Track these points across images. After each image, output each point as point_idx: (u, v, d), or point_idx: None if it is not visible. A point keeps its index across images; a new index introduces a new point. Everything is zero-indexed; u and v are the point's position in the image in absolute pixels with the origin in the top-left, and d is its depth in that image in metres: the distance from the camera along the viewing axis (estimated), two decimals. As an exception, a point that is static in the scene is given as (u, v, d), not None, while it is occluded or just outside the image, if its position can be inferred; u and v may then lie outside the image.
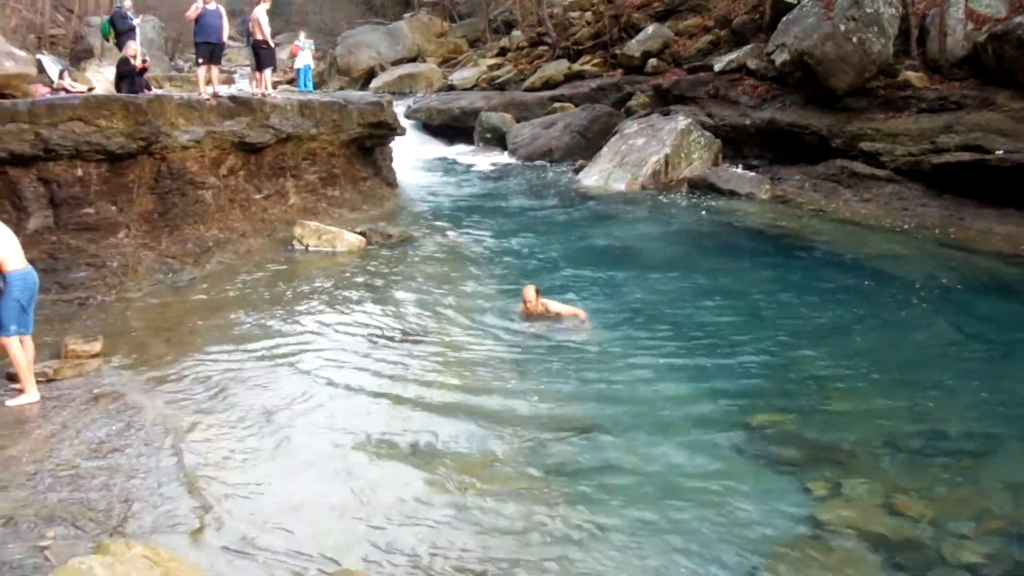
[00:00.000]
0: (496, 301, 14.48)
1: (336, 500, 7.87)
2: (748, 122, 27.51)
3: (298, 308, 14.05)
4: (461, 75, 46.12)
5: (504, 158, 33.85)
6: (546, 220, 22.21)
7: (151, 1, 59.33)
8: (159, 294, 14.64)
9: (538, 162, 32.17)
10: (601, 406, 10.21)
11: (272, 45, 22.30)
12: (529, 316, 13.21)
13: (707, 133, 27.95)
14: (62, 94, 19.59)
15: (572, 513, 7.75)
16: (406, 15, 60.56)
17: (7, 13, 38.33)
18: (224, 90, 20.91)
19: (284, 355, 11.78)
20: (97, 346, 11.45)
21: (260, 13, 21.10)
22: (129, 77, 19.47)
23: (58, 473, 7.95)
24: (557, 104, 35.94)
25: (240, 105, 18.98)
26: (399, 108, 32.48)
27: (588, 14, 42.10)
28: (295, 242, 18.01)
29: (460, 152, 35.83)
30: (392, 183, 25.63)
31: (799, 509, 7.96)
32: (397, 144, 26.75)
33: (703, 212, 23.27)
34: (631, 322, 13.54)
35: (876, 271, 16.61)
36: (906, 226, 20.62)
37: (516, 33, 48.09)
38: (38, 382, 10.11)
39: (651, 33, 35.38)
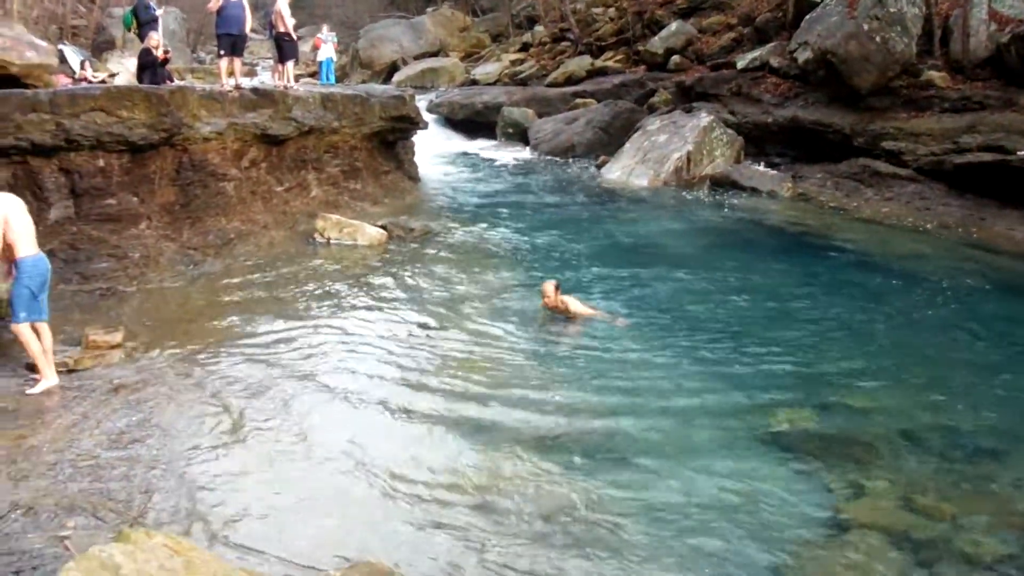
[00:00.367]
0: (518, 296, 14.44)
1: (357, 493, 7.87)
2: (770, 120, 27.48)
3: (319, 301, 14.06)
4: (483, 70, 46.16)
5: (526, 153, 33.85)
6: (568, 216, 22.15)
7: (174, -8, 59.51)
8: (180, 285, 14.65)
9: (560, 158, 32.16)
10: (623, 402, 10.19)
11: (295, 38, 22.32)
12: (553, 311, 13.20)
13: (729, 130, 27.85)
14: (83, 84, 19.66)
15: (594, 508, 7.74)
16: (429, 9, 60.64)
17: (29, 3, 38.37)
18: (246, 82, 20.93)
19: (305, 347, 11.78)
20: (118, 337, 11.45)
21: (283, 6, 21.13)
22: (151, 68, 19.46)
23: (78, 463, 7.95)
24: (579, 100, 35.92)
25: (262, 97, 18.97)
26: (421, 102, 32.42)
27: (611, 10, 42.11)
28: (316, 235, 18.02)
29: (482, 147, 35.78)
30: (414, 177, 25.64)
31: (821, 506, 7.97)
32: (419, 138, 26.80)
33: (725, 209, 23.21)
34: (654, 318, 13.50)
35: (898, 270, 16.54)
36: (928, 226, 20.55)
37: (539, 28, 48.13)
38: (59, 372, 10.12)
39: (674, 30, 35.37)
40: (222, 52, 19.25)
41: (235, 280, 15.06)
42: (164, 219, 16.04)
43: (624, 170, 27.54)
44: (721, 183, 25.88)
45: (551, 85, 38.99)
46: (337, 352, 11.69)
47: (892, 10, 23.50)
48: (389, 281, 15.35)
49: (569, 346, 12.20)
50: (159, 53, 19.87)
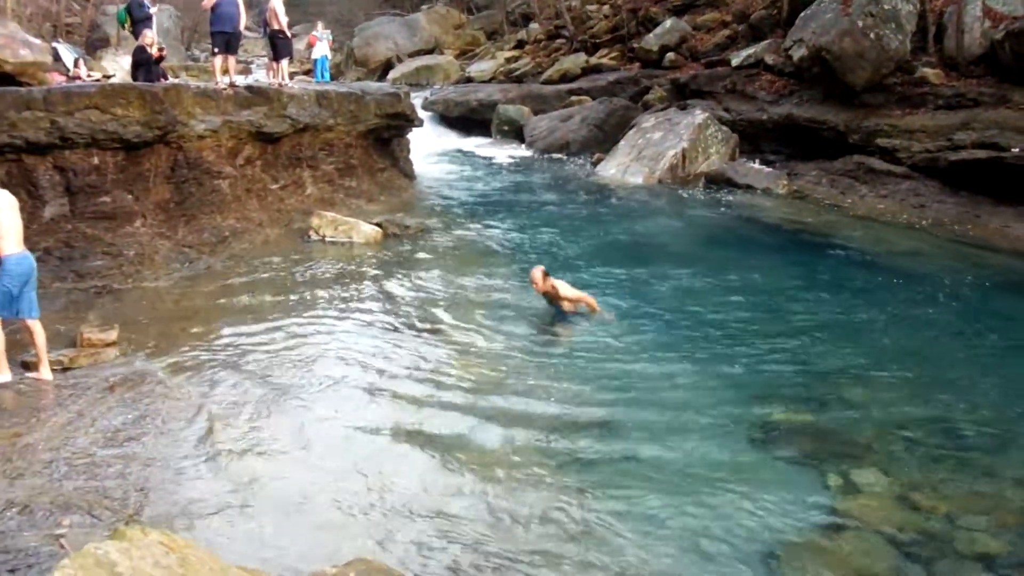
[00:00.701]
0: (513, 294, 14.45)
1: (352, 490, 7.88)
2: (765, 117, 27.49)
3: (314, 299, 14.06)
4: (478, 67, 46.14)
5: (521, 151, 33.85)
6: (564, 213, 22.15)
7: (168, -10, 59.44)
8: (175, 283, 14.65)
9: (555, 155, 32.16)
10: (619, 399, 10.22)
11: (289, 35, 22.33)
12: (550, 300, 13.18)
13: (724, 128, 27.88)
14: (78, 82, 19.64)
15: (589, 505, 7.77)
16: (423, 7, 60.62)
17: (23, 1, 38.40)
18: (241, 80, 20.91)
19: (300, 345, 11.79)
20: (113, 335, 11.46)
21: (277, 3, 21.12)
22: (146, 65, 19.43)
23: (74, 461, 7.95)
24: (574, 97, 35.93)
25: (257, 95, 18.97)
26: (416, 100, 32.44)
27: (606, 7, 42.06)
28: (312, 232, 18.01)
29: (477, 144, 35.77)
30: (409, 174, 25.66)
31: (817, 502, 8.01)
32: (414, 136, 26.82)
33: (720, 207, 23.22)
34: (649, 315, 13.51)
35: (893, 268, 16.56)
36: (923, 223, 20.58)
37: (534, 26, 48.10)
38: (54, 370, 10.12)
39: (669, 27, 35.34)
40: (216, 50, 19.19)
41: (230, 278, 15.05)
42: (159, 217, 16.03)
43: (619, 167, 27.56)
44: (716, 180, 25.91)
45: (546, 82, 38.98)
46: (333, 349, 11.69)
47: (886, 7, 23.52)
48: (384, 278, 15.35)
49: (564, 343, 12.24)
50: (154, 51, 19.84)
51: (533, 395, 10.25)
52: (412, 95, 27.67)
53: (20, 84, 16.30)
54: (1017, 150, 19.79)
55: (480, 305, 13.91)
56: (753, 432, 9.45)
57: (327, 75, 33.82)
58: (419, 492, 7.90)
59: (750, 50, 30.12)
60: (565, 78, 38.40)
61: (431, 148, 32.41)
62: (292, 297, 14.06)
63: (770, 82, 28.38)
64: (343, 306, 13.74)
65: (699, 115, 27.84)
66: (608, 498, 7.92)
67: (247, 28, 22.40)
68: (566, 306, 13.11)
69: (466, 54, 52.14)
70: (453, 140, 37.01)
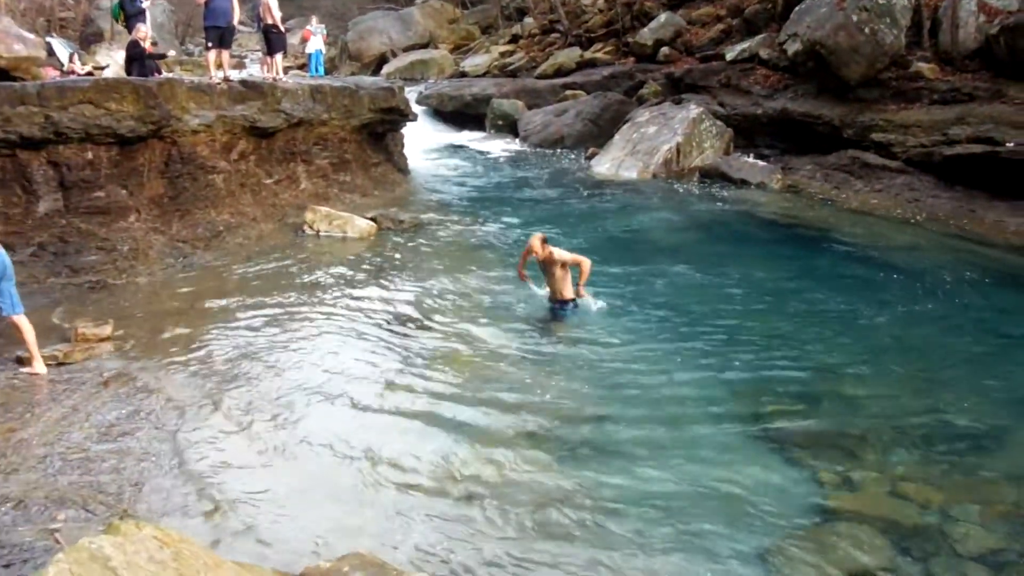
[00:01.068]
0: (507, 288, 14.42)
1: (346, 485, 7.90)
2: (760, 111, 27.45)
3: (308, 293, 14.05)
4: (473, 62, 46.05)
5: (516, 145, 33.78)
6: (558, 207, 22.14)
7: (162, -16, 59.31)
8: (170, 278, 14.64)
9: (549, 149, 32.08)
10: (613, 394, 10.23)
11: (283, 30, 22.28)
12: (544, 267, 13.06)
13: (719, 122, 27.86)
14: (72, 77, 19.60)
15: (585, 499, 7.77)
16: (418, 1, 60.41)
17: (17, -4, 38.37)
18: (235, 75, 20.88)
19: (294, 340, 11.79)
20: (107, 330, 11.46)
21: (271, -2, 21.10)
22: (139, 60, 19.40)
23: (68, 456, 7.96)
24: (569, 91, 35.81)
25: (251, 89, 18.94)
26: (411, 94, 32.41)
27: (600, 2, 42.00)
28: (306, 227, 17.99)
29: (472, 139, 35.73)
30: (403, 169, 25.64)
31: (809, 496, 8.03)
32: (408, 130, 26.78)
33: (715, 201, 23.20)
34: (644, 310, 13.50)
35: (888, 262, 16.57)
36: (918, 217, 20.58)
37: (528, 20, 48.03)
38: (48, 365, 10.13)
39: (663, 21, 35.27)
40: (210, 44, 19.13)
41: (224, 273, 15.05)
42: (153, 212, 16.01)
43: (614, 162, 27.55)
44: (711, 175, 25.91)
45: (540, 77, 38.90)
46: (327, 344, 11.70)
47: (881, 1, 23.50)
48: (378, 273, 15.34)
49: (559, 338, 12.23)
50: (147, 45, 19.79)
51: (527, 390, 10.25)
52: (406, 89, 27.60)
53: (14, 79, 16.29)
54: (1012, 144, 19.79)
55: (474, 299, 13.90)
56: (748, 425, 9.46)
57: (321, 69, 33.82)
58: (413, 486, 7.90)
59: (745, 44, 30.09)
60: (559, 72, 38.30)
61: (425, 143, 32.38)
62: (286, 292, 14.03)
63: (765, 76, 28.35)
64: (337, 300, 13.72)
65: (693, 109, 27.83)
66: (602, 492, 7.92)
67: (241, 23, 22.37)
68: (558, 273, 12.92)
69: (460, 48, 52.05)
70: (447, 135, 36.93)
